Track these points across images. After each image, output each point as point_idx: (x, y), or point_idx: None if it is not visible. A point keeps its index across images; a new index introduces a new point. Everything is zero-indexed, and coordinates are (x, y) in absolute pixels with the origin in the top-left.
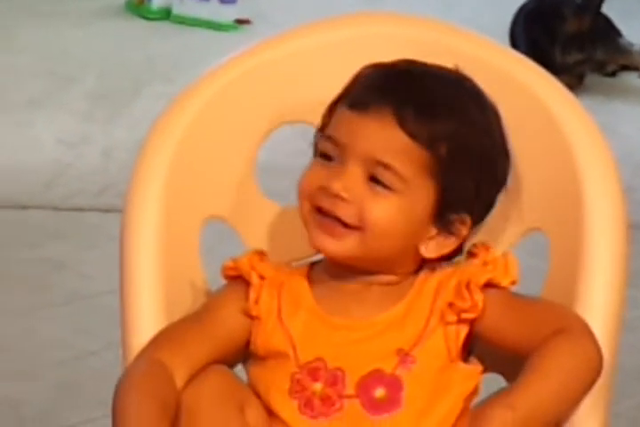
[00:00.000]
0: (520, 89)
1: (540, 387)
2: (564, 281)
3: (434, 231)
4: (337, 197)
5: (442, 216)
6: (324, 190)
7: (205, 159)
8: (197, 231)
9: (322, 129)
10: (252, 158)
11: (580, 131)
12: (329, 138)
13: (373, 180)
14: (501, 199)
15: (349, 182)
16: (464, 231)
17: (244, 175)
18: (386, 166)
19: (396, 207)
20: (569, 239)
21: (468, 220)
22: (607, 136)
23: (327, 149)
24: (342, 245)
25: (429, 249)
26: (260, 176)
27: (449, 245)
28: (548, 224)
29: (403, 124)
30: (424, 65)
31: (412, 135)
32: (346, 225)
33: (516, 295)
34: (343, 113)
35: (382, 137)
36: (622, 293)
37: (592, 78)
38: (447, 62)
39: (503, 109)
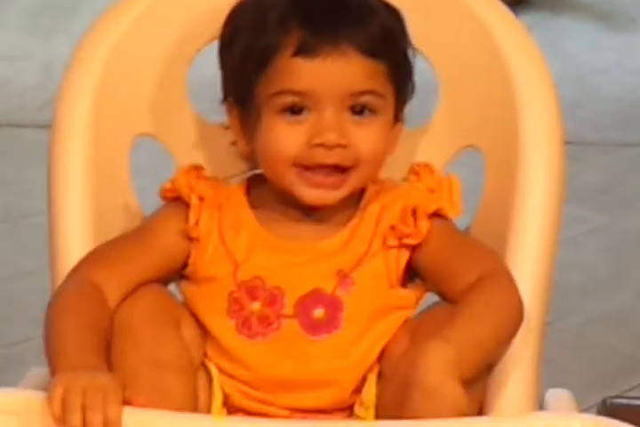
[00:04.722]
0: (455, 4)
1: (473, 322)
2: (500, 198)
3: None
4: (337, 146)
5: (398, 111)
6: (319, 146)
7: (136, 74)
8: (127, 150)
9: (241, 85)
10: (183, 74)
11: (516, 48)
12: (291, 92)
13: (355, 112)
14: (436, 118)
15: (341, 127)
16: (404, 112)
17: (175, 91)
18: (367, 93)
19: (381, 128)
20: (504, 156)
21: (406, 100)
22: (552, 52)
23: (292, 102)
24: (342, 191)
25: (391, 145)
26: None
27: (399, 131)
28: (482, 141)
29: (363, 51)
30: None
31: (374, 55)
32: (344, 170)
33: (456, 231)
34: (292, 62)
35: (352, 70)
36: (558, 211)
37: None
38: None
39: (437, 25)
